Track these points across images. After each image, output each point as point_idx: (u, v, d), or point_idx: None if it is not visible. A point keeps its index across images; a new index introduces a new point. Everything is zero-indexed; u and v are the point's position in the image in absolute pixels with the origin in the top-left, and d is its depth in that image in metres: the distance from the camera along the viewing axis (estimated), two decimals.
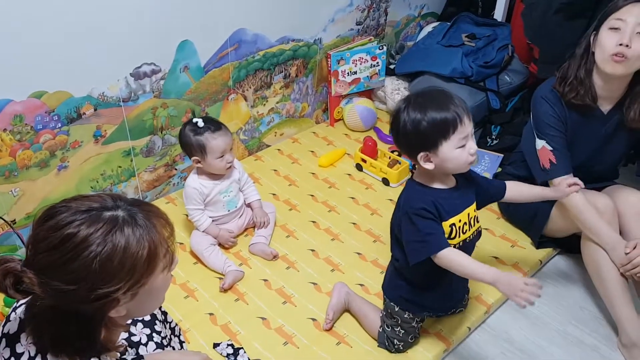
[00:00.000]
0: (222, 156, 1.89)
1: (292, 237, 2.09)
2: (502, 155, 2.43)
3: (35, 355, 0.97)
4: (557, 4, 2.14)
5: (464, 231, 1.49)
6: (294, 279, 1.89)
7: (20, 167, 1.82)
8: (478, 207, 1.57)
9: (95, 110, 1.93)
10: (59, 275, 0.88)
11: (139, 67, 1.98)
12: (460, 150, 1.37)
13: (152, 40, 1.97)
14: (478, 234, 1.57)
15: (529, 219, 2.02)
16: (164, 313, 1.51)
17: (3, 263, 0.91)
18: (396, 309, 1.60)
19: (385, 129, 2.73)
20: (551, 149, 1.82)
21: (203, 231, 1.96)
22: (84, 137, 1.94)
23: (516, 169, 2.06)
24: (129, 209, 0.93)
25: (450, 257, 1.41)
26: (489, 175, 2.35)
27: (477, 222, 1.55)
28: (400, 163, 2.37)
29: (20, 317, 1.03)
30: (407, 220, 1.43)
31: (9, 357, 1.00)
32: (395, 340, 1.62)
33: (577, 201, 1.76)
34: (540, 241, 2.02)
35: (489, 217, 2.18)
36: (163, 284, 1.01)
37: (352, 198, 2.27)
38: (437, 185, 1.46)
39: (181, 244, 2.03)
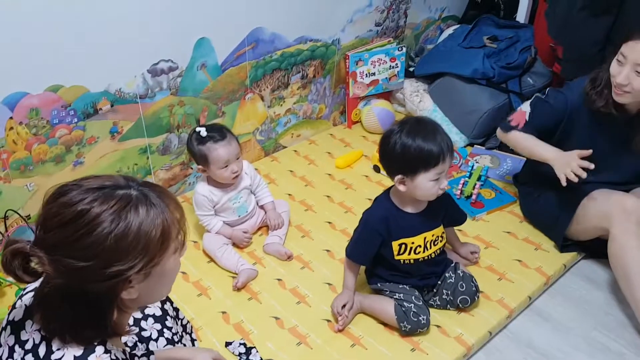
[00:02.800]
0: (226, 166, 1.85)
1: (308, 237, 2.05)
2: (525, 158, 2.36)
3: (40, 342, 0.95)
4: (582, 1, 2.09)
5: (417, 252, 1.63)
6: (309, 279, 1.85)
7: (35, 161, 1.82)
8: (444, 226, 1.71)
9: (112, 106, 1.92)
10: (71, 251, 0.86)
11: (156, 63, 1.97)
12: (433, 184, 1.52)
13: (169, 37, 1.96)
14: (440, 254, 1.69)
15: (552, 222, 1.96)
16: (176, 309, 1.48)
17: (11, 244, 0.89)
18: (379, 285, 1.70)
19: None
20: (527, 119, 1.89)
21: (215, 233, 1.93)
22: (100, 133, 1.93)
23: (537, 166, 1.99)
24: (141, 189, 0.92)
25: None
26: (509, 177, 2.30)
27: (435, 245, 1.66)
28: None
29: (26, 305, 1.01)
30: (362, 219, 1.65)
31: (13, 345, 0.98)
32: (409, 312, 1.60)
33: (515, 134, 1.90)
34: (564, 244, 1.95)
35: (512, 220, 2.12)
36: (174, 267, 0.99)
37: (370, 199, 2.21)
38: (403, 206, 1.62)
39: (195, 242, 2.01)
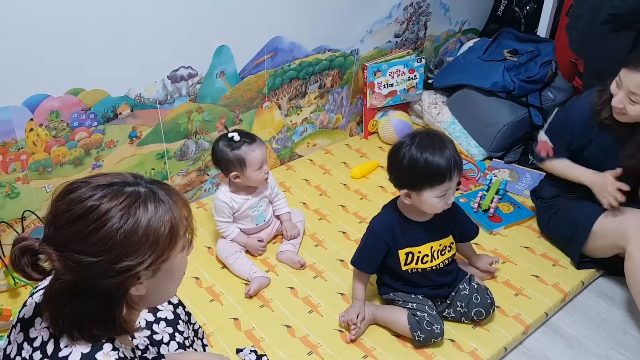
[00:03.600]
0: (260, 167, 1.86)
1: (321, 246, 2.04)
2: (544, 173, 2.33)
3: (48, 339, 0.95)
4: (604, 15, 2.07)
5: (424, 262, 1.62)
6: (321, 289, 1.84)
7: (54, 163, 1.84)
8: (456, 241, 1.70)
9: (131, 110, 1.94)
10: (81, 247, 0.86)
11: (176, 70, 1.99)
12: (438, 200, 1.50)
13: (190, 44, 1.98)
14: (449, 264, 1.67)
15: (568, 238, 1.93)
16: (188, 314, 1.48)
17: (19, 242, 0.90)
18: (391, 295, 1.68)
19: None
20: (552, 147, 1.91)
21: (231, 240, 1.93)
22: (119, 137, 1.95)
23: (555, 182, 1.99)
24: (149, 186, 0.93)
25: None
26: (527, 192, 2.27)
27: (443, 254, 1.64)
28: None
29: (36, 302, 1.02)
30: (369, 227, 1.65)
31: (22, 342, 0.98)
32: (422, 321, 1.58)
33: (556, 165, 1.93)
34: (580, 261, 1.92)
35: (529, 235, 2.09)
36: (181, 265, 1.00)
37: None
38: (409, 215, 1.60)
39: (209, 248, 2.01)
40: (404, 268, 1.62)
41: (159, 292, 1.00)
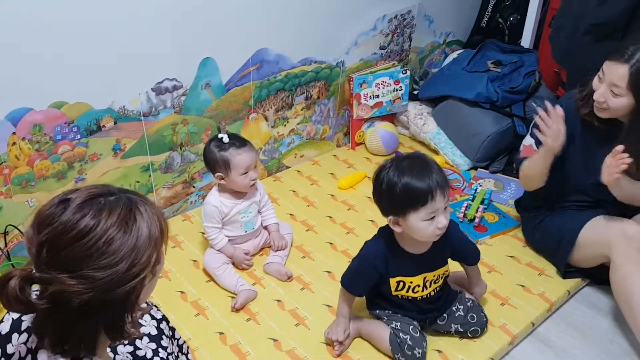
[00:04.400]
0: (246, 173, 1.85)
1: (308, 257, 2.03)
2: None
3: (26, 355, 0.94)
4: (585, 25, 2.10)
5: (415, 291, 1.58)
6: (308, 301, 1.83)
7: (37, 177, 1.82)
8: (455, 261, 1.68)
9: (115, 123, 1.93)
10: (94, 263, 0.86)
11: (161, 82, 1.98)
12: (427, 223, 1.42)
13: (174, 56, 1.98)
14: (439, 290, 1.63)
15: (554, 247, 1.94)
16: (172, 329, 1.46)
17: (14, 274, 0.86)
18: (378, 312, 1.65)
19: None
20: (536, 149, 1.85)
21: (218, 250, 1.92)
22: (102, 150, 1.94)
23: (538, 192, 1.98)
24: (124, 193, 0.95)
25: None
26: (512, 202, 2.27)
27: (436, 283, 1.60)
28: None
29: (13, 318, 1.01)
30: (362, 250, 1.58)
31: (0, 358, 0.96)
32: (404, 344, 1.55)
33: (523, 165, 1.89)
34: (566, 270, 1.92)
35: (515, 244, 2.10)
36: (163, 264, 1.02)
37: (372, 221, 2.21)
38: (404, 245, 1.54)
39: (194, 261, 1.99)
40: (394, 294, 1.58)
41: (149, 292, 1.01)
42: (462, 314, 1.65)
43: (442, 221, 1.43)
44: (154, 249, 0.93)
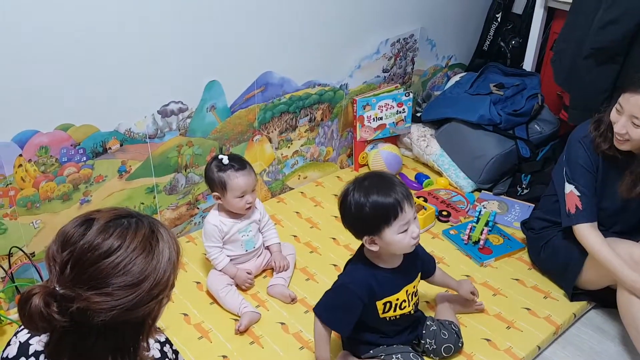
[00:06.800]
0: (242, 196, 1.86)
1: (312, 280, 2.02)
2: (533, 205, 2.35)
3: None
4: (587, 49, 2.12)
5: (402, 307, 1.56)
6: (313, 324, 1.80)
7: (42, 198, 1.82)
8: (423, 277, 1.68)
9: (121, 145, 1.94)
10: (121, 279, 0.87)
11: (167, 104, 2.00)
12: (403, 235, 1.44)
13: (180, 79, 2.00)
14: (416, 305, 1.63)
15: (561, 270, 1.93)
16: (175, 352, 1.45)
17: (33, 293, 0.85)
18: (372, 353, 1.59)
19: (411, 175, 2.69)
20: (579, 194, 1.79)
21: (220, 270, 1.92)
22: (108, 171, 1.95)
23: (546, 213, 1.99)
24: (145, 217, 0.97)
25: None
26: (517, 224, 2.27)
27: (416, 295, 1.61)
28: (425, 209, 2.31)
29: (20, 341, 1.00)
30: (339, 285, 1.54)
31: None
32: None
33: (592, 240, 1.75)
34: (574, 293, 1.91)
35: (520, 267, 2.09)
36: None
37: None
38: (381, 263, 1.53)
39: (198, 283, 1.99)
40: (381, 316, 1.55)
41: (161, 315, 1.01)
42: (435, 328, 1.66)
43: (415, 230, 1.46)
44: (173, 271, 0.94)
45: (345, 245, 2.21)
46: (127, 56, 1.83)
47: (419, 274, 1.63)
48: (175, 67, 1.96)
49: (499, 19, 2.99)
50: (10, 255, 1.80)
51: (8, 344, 1.03)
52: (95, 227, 0.89)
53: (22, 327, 1.04)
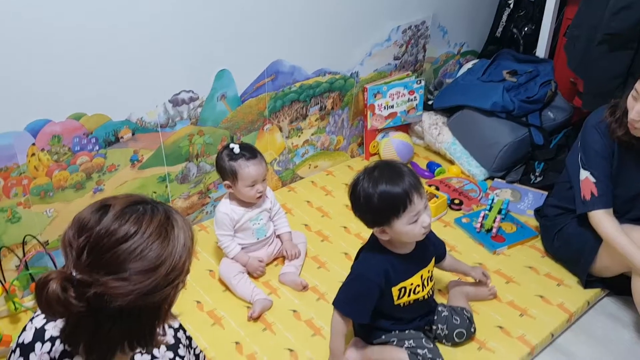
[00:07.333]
0: (253, 185, 1.87)
1: (324, 268, 2.03)
2: (546, 192, 2.33)
3: None
4: (600, 35, 2.09)
5: (416, 292, 1.56)
6: (324, 311, 1.81)
7: (55, 187, 1.84)
8: (436, 262, 1.67)
9: (133, 134, 1.95)
10: (138, 265, 0.87)
11: (178, 94, 2.00)
12: (413, 226, 1.43)
13: (191, 68, 2.00)
14: (432, 291, 1.63)
15: (576, 257, 1.91)
16: (189, 338, 1.46)
17: (49, 278, 0.86)
18: (384, 338, 1.59)
19: (423, 163, 2.67)
20: (594, 180, 1.76)
21: (232, 258, 1.92)
22: (120, 160, 1.96)
23: (559, 200, 1.97)
24: (160, 204, 0.97)
25: None
26: (530, 212, 2.26)
27: (431, 280, 1.61)
28: (437, 197, 2.30)
29: (36, 327, 1.01)
30: (356, 274, 1.54)
31: None
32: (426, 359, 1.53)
33: (608, 227, 1.74)
34: (588, 280, 1.90)
35: (533, 255, 2.08)
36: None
37: None
38: (396, 249, 1.52)
39: (210, 271, 2.00)
40: (396, 303, 1.55)
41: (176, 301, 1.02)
42: (447, 314, 1.66)
43: (426, 220, 1.45)
44: (188, 257, 0.95)
45: (356, 234, 2.21)
46: (138, 45, 1.83)
47: (433, 259, 1.63)
48: (185, 56, 1.96)
49: (511, 5, 2.95)
50: (24, 243, 1.82)
51: (24, 330, 1.04)
52: (112, 213, 0.90)
53: (38, 313, 1.05)
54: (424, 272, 1.57)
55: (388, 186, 1.40)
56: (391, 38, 2.60)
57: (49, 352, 0.96)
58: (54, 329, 1.01)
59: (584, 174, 1.78)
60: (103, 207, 0.91)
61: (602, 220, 1.75)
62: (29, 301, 1.83)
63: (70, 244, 0.89)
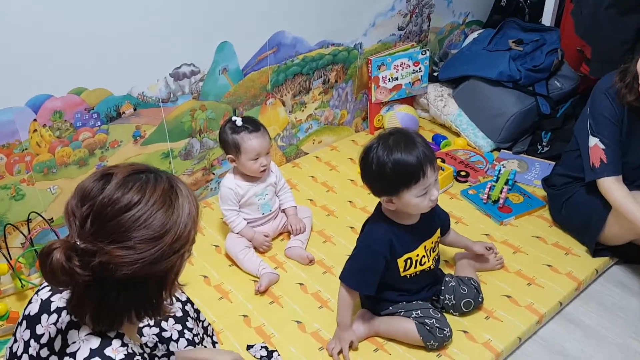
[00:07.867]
0: (256, 158, 1.85)
1: (329, 242, 2.02)
2: (554, 163, 2.30)
3: (55, 336, 0.94)
4: None
5: (422, 263, 1.55)
6: (331, 284, 1.81)
7: (59, 164, 1.82)
8: (441, 234, 1.65)
9: (134, 110, 1.93)
10: (144, 233, 0.86)
11: (179, 67, 1.98)
12: (421, 199, 1.41)
13: (191, 41, 1.96)
14: (437, 261, 1.62)
15: (584, 225, 1.90)
16: (197, 311, 1.47)
17: (53, 248, 0.85)
18: (391, 309, 1.59)
19: (428, 136, 2.65)
20: (603, 147, 1.74)
21: (238, 233, 1.92)
22: (123, 136, 1.94)
23: (567, 169, 1.95)
24: (164, 172, 0.95)
25: None
26: (537, 182, 2.23)
27: (434, 251, 1.59)
28: (443, 170, 2.28)
29: (41, 299, 1.01)
30: (362, 246, 1.53)
31: (29, 339, 0.97)
32: (434, 329, 1.53)
33: (617, 194, 1.72)
34: (596, 249, 1.88)
35: (541, 224, 2.06)
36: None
37: None
38: (400, 220, 1.51)
39: (217, 246, 1.99)
40: (402, 274, 1.54)
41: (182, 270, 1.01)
42: (455, 284, 1.65)
43: (435, 193, 1.43)
44: (193, 226, 0.93)
45: (361, 207, 2.19)
46: (138, 18, 1.79)
47: (438, 230, 1.61)
48: (185, 29, 1.93)
49: None
50: (29, 220, 1.82)
51: (29, 302, 1.03)
52: (114, 182, 0.88)
53: (43, 285, 1.05)
54: (428, 242, 1.56)
55: (403, 155, 1.37)
56: (395, 7, 2.56)
57: (55, 324, 0.96)
58: (60, 300, 1.00)
59: (593, 141, 1.76)
60: (105, 175, 0.90)
61: (612, 187, 1.73)
62: (36, 278, 1.83)
63: (73, 213, 0.88)
